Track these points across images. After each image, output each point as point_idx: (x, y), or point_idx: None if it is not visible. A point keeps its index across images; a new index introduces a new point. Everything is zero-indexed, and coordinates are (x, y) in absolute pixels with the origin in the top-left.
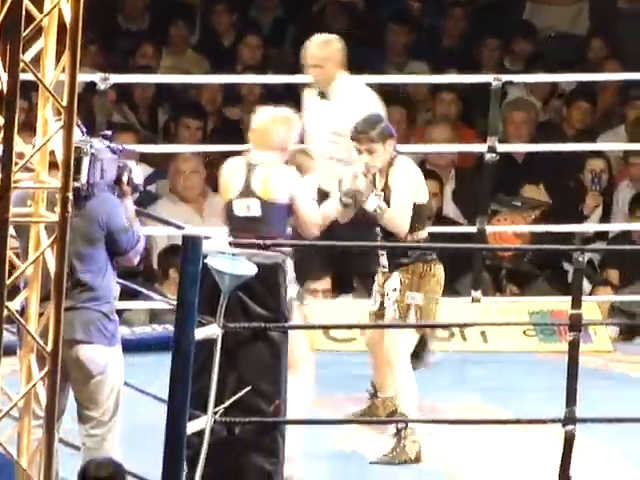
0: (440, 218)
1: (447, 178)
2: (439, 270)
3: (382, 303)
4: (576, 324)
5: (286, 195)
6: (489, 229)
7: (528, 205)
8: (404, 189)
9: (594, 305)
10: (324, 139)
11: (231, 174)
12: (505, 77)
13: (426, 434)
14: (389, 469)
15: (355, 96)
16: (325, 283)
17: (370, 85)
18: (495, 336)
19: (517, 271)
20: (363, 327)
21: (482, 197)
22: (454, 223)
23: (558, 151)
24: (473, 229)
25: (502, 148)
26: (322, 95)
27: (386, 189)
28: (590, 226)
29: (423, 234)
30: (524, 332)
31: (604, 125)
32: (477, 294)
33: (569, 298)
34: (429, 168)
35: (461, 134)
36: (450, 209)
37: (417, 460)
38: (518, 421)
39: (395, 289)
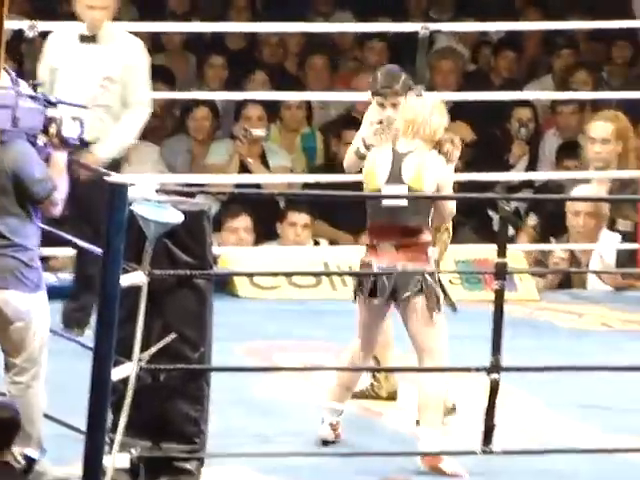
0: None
1: None
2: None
3: None
4: (501, 272)
5: (435, 185)
6: None
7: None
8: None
9: (519, 254)
10: (94, 84)
11: (376, 162)
12: (433, 26)
13: None
14: (310, 416)
15: (128, 42)
16: (244, 221)
17: (297, 34)
18: None
19: None
20: (291, 274)
21: None
22: None
23: (485, 100)
24: None
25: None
26: (87, 39)
27: None
28: (516, 175)
29: None
30: (449, 281)
31: (531, 74)
32: None
33: (494, 247)
34: (355, 116)
35: None
36: None
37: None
38: (442, 369)
39: None
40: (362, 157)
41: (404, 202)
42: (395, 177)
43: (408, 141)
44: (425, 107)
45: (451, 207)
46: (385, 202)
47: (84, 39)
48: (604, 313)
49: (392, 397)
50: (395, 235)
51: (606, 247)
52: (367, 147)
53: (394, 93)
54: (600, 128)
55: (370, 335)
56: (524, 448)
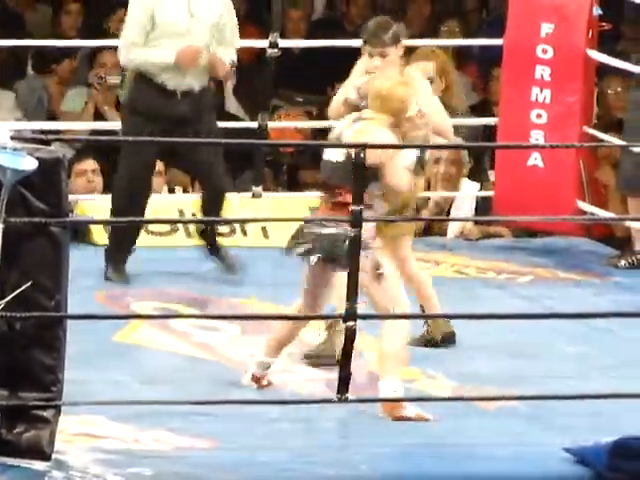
0: (222, 114)
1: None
2: None
3: None
4: (357, 220)
5: (373, 157)
6: (271, 125)
7: (309, 100)
8: (430, 93)
9: None
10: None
11: (338, 118)
12: None
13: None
14: (166, 363)
15: None
16: (91, 164)
17: None
18: (276, 231)
19: (298, 167)
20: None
21: (264, 92)
22: (236, 119)
23: (338, 47)
24: (254, 125)
25: (284, 44)
26: None
27: None
28: None
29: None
30: None
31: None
32: (258, 190)
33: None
34: None
35: (244, 31)
36: (232, 105)
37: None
38: (299, 317)
39: None
40: (351, 106)
41: (340, 158)
42: (339, 136)
43: (374, 112)
44: (393, 83)
45: (397, 181)
46: (326, 156)
47: None
48: (461, 261)
49: (449, 340)
50: (329, 192)
51: (464, 196)
52: (361, 96)
53: (382, 43)
54: (423, 68)
55: (315, 293)
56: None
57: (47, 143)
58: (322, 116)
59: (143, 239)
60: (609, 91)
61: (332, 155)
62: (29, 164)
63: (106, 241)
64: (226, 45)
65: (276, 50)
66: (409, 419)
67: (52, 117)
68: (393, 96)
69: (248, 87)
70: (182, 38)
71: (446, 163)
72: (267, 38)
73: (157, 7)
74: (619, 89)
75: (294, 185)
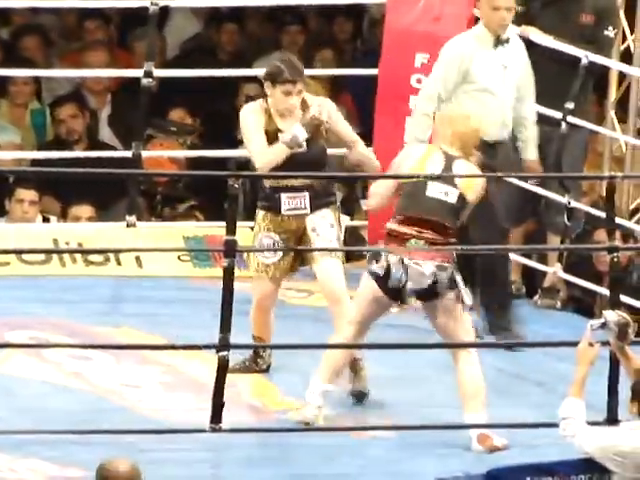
0: (95, 143)
1: (103, 103)
2: None
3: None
4: (230, 250)
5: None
6: (145, 154)
7: (183, 130)
8: None
9: (249, 231)
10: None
11: (424, 159)
12: (163, 1)
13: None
14: (40, 393)
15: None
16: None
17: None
18: (150, 261)
19: (172, 196)
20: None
21: (138, 122)
22: (110, 148)
23: (211, 76)
24: (128, 154)
25: (159, 73)
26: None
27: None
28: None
29: None
30: (179, 257)
31: (260, 50)
32: (132, 219)
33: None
34: (83, 93)
35: (118, 59)
36: (106, 134)
37: None
38: (173, 347)
39: (332, 225)
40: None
41: (452, 199)
42: (446, 178)
43: (457, 151)
44: (477, 124)
45: None
46: (430, 194)
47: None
48: None
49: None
50: (430, 229)
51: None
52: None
53: (302, 81)
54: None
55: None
56: (253, 426)
57: None
58: (195, 146)
59: (18, 268)
60: None
61: (441, 195)
62: None
63: None
64: (527, 99)
65: (151, 80)
66: (497, 449)
67: None
68: (477, 135)
69: (122, 116)
70: (495, 91)
71: None
72: (134, 66)
73: (473, 61)
74: None
75: (168, 215)
